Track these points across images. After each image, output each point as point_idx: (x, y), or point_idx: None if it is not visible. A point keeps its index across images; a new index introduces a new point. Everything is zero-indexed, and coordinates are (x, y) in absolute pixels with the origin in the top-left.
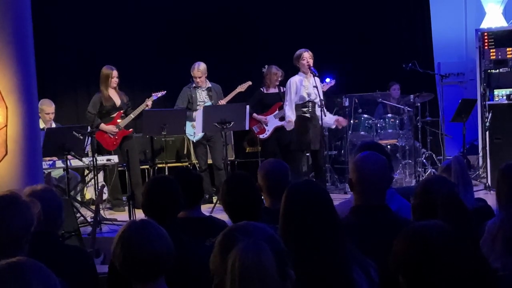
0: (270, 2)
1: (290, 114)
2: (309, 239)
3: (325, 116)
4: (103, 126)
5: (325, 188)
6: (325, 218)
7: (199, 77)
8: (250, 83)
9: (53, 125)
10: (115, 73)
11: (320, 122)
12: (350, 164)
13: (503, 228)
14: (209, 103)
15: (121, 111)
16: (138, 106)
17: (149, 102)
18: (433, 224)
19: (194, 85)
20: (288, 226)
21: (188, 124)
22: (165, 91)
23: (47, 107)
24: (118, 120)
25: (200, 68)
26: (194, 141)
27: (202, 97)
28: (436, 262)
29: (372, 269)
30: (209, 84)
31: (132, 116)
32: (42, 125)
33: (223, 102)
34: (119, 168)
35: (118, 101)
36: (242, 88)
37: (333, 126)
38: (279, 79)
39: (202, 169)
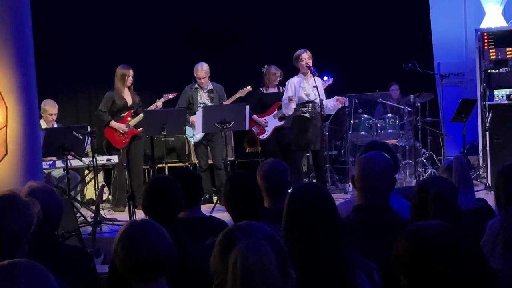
0: (270, 2)
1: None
2: (312, 242)
3: (325, 105)
4: (113, 123)
5: (328, 192)
6: (329, 222)
7: (203, 78)
8: (250, 88)
9: (55, 126)
10: (131, 72)
11: (320, 122)
12: (355, 163)
13: (503, 229)
14: (209, 105)
15: (132, 110)
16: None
17: (159, 103)
18: (434, 224)
19: (196, 85)
20: (291, 228)
21: (187, 125)
22: (176, 93)
23: (51, 108)
24: (129, 118)
25: (203, 69)
26: (193, 143)
27: (203, 99)
28: (437, 262)
29: (375, 272)
30: (210, 86)
31: (141, 115)
32: (44, 125)
33: (227, 103)
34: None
35: (130, 101)
36: (242, 93)
37: (338, 105)
38: (278, 79)
39: (202, 169)
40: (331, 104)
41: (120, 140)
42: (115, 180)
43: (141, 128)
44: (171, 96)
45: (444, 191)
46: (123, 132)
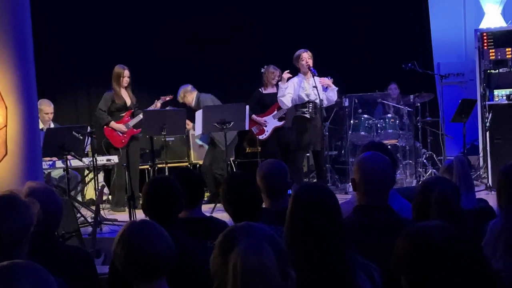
0: (270, 2)
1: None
2: (315, 242)
3: (325, 98)
4: (113, 124)
5: (333, 192)
6: (333, 223)
7: (183, 103)
8: (171, 96)
9: (52, 125)
10: (126, 72)
11: (320, 122)
12: (354, 165)
13: (505, 229)
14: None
15: (131, 111)
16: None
17: (158, 103)
18: (434, 224)
19: None
20: (295, 228)
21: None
22: (172, 95)
23: (46, 107)
24: (127, 118)
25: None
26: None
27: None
28: (437, 262)
29: (375, 273)
30: (193, 103)
31: (140, 116)
32: (40, 125)
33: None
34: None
35: (128, 101)
36: (163, 99)
37: (331, 89)
38: (277, 78)
39: (207, 168)
40: (330, 95)
41: (119, 140)
42: (114, 180)
43: (139, 129)
44: (168, 98)
45: (447, 192)
46: (122, 132)
